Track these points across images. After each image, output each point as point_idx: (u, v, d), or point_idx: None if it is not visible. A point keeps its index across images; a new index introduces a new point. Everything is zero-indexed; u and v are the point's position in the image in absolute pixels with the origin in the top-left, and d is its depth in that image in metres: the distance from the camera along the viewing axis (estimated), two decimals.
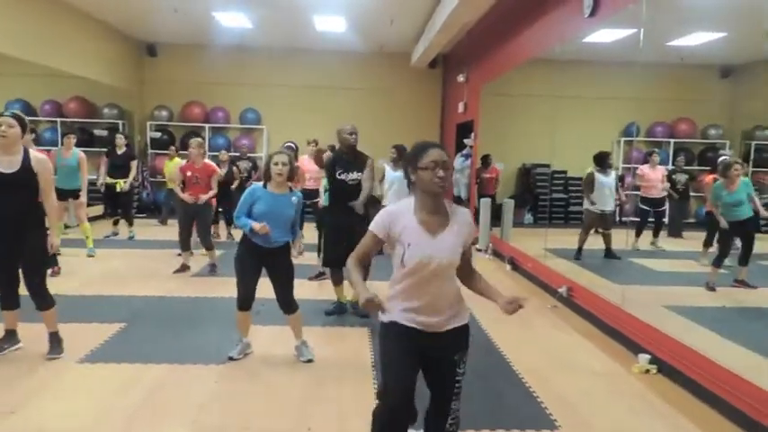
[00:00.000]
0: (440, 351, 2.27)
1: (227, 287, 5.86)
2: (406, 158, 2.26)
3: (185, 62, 12.60)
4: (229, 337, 4.29)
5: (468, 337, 2.34)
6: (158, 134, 12.47)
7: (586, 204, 7.37)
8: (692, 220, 8.37)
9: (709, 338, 4.29)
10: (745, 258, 5.60)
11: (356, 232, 4.76)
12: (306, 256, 7.54)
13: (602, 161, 7.31)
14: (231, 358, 4.04)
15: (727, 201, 5.61)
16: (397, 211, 2.25)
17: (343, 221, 4.94)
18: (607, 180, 7.22)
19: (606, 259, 7.24)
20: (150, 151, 12.45)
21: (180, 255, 6.85)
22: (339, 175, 5.03)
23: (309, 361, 4.06)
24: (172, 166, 9.12)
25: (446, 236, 2.20)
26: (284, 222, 3.91)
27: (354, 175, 5.04)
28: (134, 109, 12.55)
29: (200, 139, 6.80)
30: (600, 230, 7.44)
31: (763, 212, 5.64)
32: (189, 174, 6.48)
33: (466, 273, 2.36)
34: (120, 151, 8.77)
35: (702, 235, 6.53)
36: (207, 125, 12.59)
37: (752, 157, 7.91)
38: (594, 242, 7.49)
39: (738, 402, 3.28)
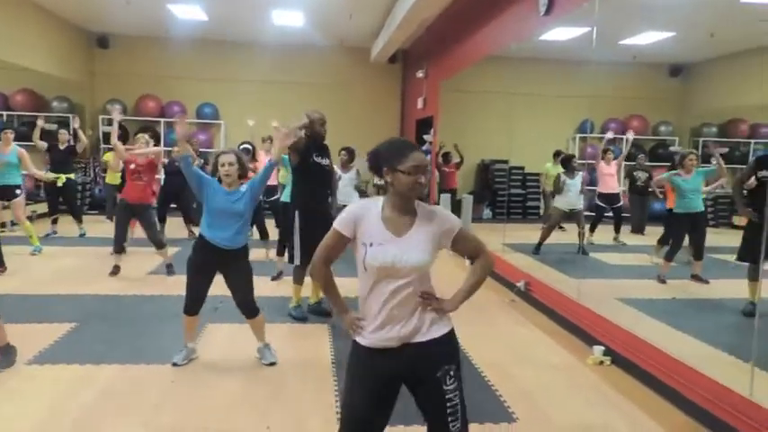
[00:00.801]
0: (419, 368, 2.04)
1: (181, 285, 5.72)
2: (383, 155, 2.03)
3: (139, 55, 12.28)
4: (180, 344, 4.20)
5: (454, 346, 2.10)
6: (111, 128, 12.08)
7: (555, 203, 7.53)
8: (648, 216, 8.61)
9: (659, 330, 4.43)
10: (698, 253, 5.80)
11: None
12: (265, 254, 7.42)
13: (567, 164, 7.55)
14: (175, 364, 3.86)
15: (684, 187, 5.77)
16: (365, 206, 2.07)
17: (320, 210, 4.78)
18: (573, 182, 7.46)
19: (561, 252, 7.41)
20: (103, 146, 12.07)
21: (112, 254, 6.51)
22: (316, 158, 4.82)
23: (272, 364, 3.95)
24: (112, 156, 8.91)
25: (413, 235, 2.01)
26: (238, 219, 3.70)
27: (327, 161, 4.95)
28: (85, 102, 12.16)
29: (147, 136, 6.60)
30: (561, 227, 7.63)
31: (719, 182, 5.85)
32: (132, 166, 6.21)
33: (474, 258, 2.20)
34: (62, 147, 8.56)
35: (661, 230, 6.72)
36: (162, 119, 12.29)
37: (699, 153, 8.18)
38: (552, 237, 7.64)
39: (689, 392, 3.38)
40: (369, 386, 2.06)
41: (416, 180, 1.98)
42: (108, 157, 10.06)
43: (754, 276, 4.54)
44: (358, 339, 2.09)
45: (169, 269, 6.45)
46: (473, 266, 2.20)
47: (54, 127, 10.94)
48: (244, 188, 3.76)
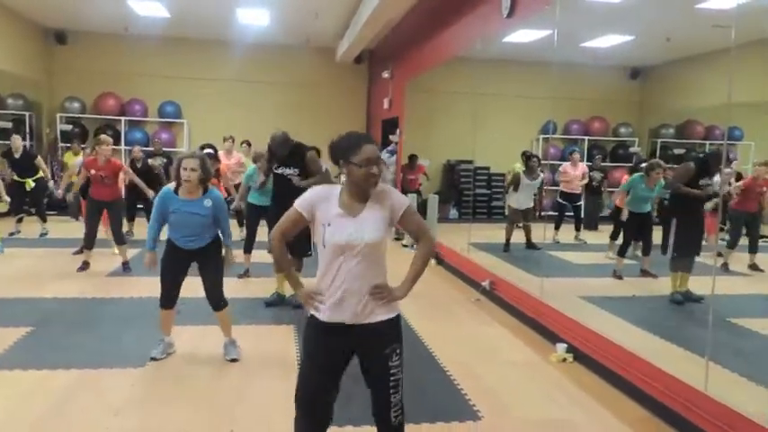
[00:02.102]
0: (370, 345, 2.24)
1: (145, 287, 5.65)
2: (338, 148, 2.22)
3: (99, 51, 11.97)
4: (148, 338, 4.13)
5: (399, 329, 2.31)
6: (69, 127, 11.76)
7: (509, 201, 7.70)
8: (605, 214, 8.85)
9: (620, 326, 4.54)
10: (646, 249, 6.14)
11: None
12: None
13: (528, 162, 7.80)
14: (153, 358, 3.89)
15: (640, 194, 6.05)
16: (324, 192, 2.27)
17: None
18: (531, 184, 7.68)
19: (527, 250, 7.54)
20: (61, 144, 11.73)
21: (79, 252, 6.73)
22: (276, 169, 5.07)
23: (234, 360, 3.95)
24: (73, 160, 8.72)
25: (367, 215, 2.19)
26: (200, 228, 3.77)
27: (292, 170, 5.02)
28: (42, 100, 11.80)
29: (109, 138, 6.49)
30: (520, 224, 7.83)
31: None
32: (93, 172, 6.15)
33: (416, 238, 2.38)
34: (17, 155, 8.27)
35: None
36: (123, 118, 12.03)
37: (657, 154, 8.42)
38: (518, 236, 7.77)
39: (647, 387, 3.47)
40: (322, 359, 2.27)
41: (369, 171, 2.15)
42: (68, 158, 9.83)
43: (675, 268, 5.23)
44: (313, 313, 2.27)
45: (125, 267, 6.39)
46: (415, 253, 2.39)
47: (9, 125, 10.62)
48: (208, 204, 3.76)
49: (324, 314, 2.22)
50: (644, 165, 6.49)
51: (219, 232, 3.92)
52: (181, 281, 3.90)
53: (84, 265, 6.38)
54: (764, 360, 4.09)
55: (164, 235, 3.87)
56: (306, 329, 2.34)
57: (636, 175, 6.24)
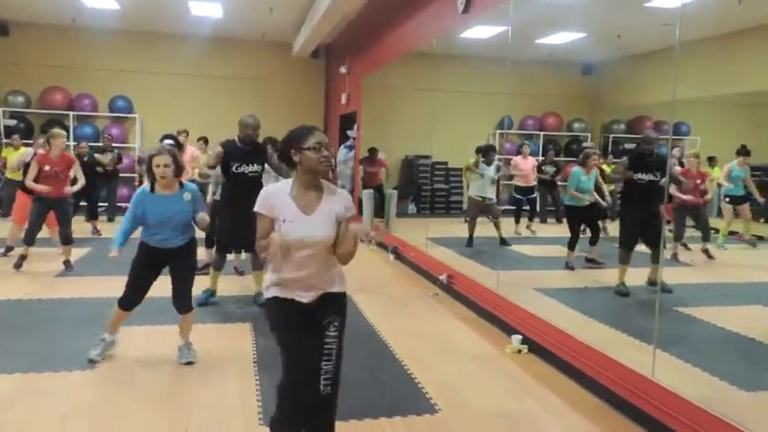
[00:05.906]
0: (315, 315, 2.42)
1: (93, 287, 5.51)
2: (289, 140, 2.37)
3: (44, 44, 11.55)
4: (96, 340, 4.00)
5: (343, 304, 2.51)
6: (14, 122, 11.30)
7: (470, 192, 7.69)
8: (551, 207, 9.00)
9: (572, 317, 4.63)
10: (593, 240, 6.33)
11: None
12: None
13: (485, 153, 7.75)
14: (92, 361, 3.74)
15: (585, 186, 6.20)
16: (275, 188, 2.45)
17: (243, 209, 4.90)
18: (488, 170, 7.60)
19: (489, 246, 7.57)
20: (4, 141, 11.26)
21: (6, 253, 6.59)
22: (236, 168, 4.87)
23: (189, 363, 3.85)
24: (14, 156, 8.37)
25: (319, 214, 2.37)
26: (181, 224, 3.69)
27: (254, 167, 4.91)
28: None
29: (63, 131, 6.28)
30: (489, 219, 7.81)
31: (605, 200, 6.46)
32: (47, 168, 5.92)
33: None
34: None
35: None
36: (71, 113, 11.63)
37: (610, 149, 8.62)
38: (481, 231, 7.78)
39: (599, 376, 3.55)
40: (296, 329, 2.41)
41: (321, 154, 2.32)
42: (7, 154, 9.46)
43: (624, 260, 5.28)
44: (268, 293, 2.45)
45: (67, 266, 6.22)
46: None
47: None
48: (187, 197, 3.70)
49: (282, 291, 2.42)
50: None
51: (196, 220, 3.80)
52: (149, 287, 3.78)
53: (21, 260, 6.15)
54: (707, 346, 4.24)
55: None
56: (273, 312, 2.48)
57: (575, 169, 6.33)
